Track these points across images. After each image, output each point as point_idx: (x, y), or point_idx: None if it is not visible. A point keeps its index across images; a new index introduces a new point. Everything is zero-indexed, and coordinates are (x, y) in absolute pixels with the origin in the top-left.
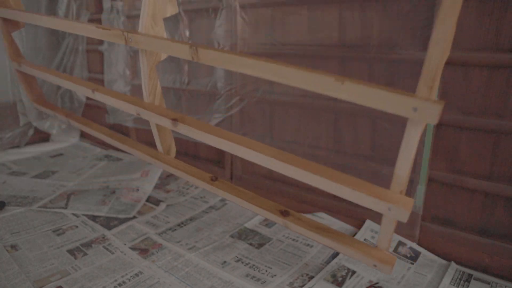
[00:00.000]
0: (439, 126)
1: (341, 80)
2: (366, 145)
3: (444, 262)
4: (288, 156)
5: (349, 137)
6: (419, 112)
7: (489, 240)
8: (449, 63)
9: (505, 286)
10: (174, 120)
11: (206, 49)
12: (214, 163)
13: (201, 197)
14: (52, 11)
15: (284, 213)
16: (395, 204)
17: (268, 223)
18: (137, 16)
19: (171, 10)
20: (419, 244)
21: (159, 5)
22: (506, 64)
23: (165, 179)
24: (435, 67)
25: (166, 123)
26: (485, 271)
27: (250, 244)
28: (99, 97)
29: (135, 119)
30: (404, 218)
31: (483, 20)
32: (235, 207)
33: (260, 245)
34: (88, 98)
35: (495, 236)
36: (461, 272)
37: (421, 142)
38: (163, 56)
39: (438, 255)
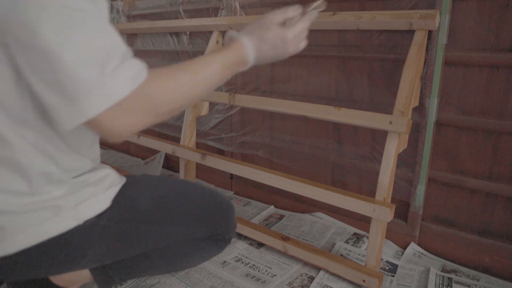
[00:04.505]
0: (439, 126)
1: (338, 108)
2: (365, 145)
3: (423, 268)
4: (294, 178)
5: (349, 137)
6: (393, 124)
7: (489, 240)
8: (449, 63)
9: (484, 287)
10: (204, 154)
11: (240, 95)
12: None
13: None
14: None
15: (284, 238)
16: (378, 205)
17: (268, 223)
18: (137, 16)
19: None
20: (419, 244)
21: None
22: (506, 64)
23: None
24: (403, 101)
25: (196, 157)
26: (485, 271)
27: (250, 244)
28: (143, 141)
29: None
30: (387, 218)
31: (483, 20)
32: (235, 207)
33: (260, 245)
34: None
35: (495, 236)
36: (441, 277)
37: (421, 142)
38: (203, 112)
39: (438, 255)
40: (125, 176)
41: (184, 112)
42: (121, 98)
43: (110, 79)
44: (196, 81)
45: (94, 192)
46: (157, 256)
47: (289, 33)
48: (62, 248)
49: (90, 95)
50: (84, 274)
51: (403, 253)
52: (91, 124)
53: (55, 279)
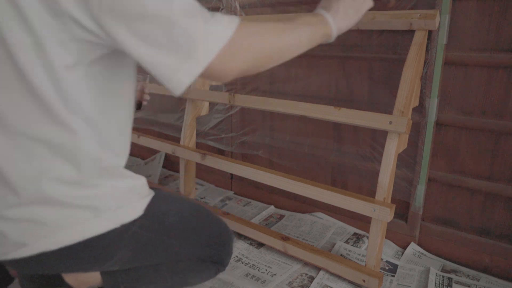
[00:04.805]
0: (439, 126)
1: (338, 108)
2: (365, 145)
3: (423, 268)
4: (294, 178)
5: (349, 137)
6: (393, 124)
7: (489, 240)
8: (449, 63)
9: (484, 287)
10: (204, 154)
11: (240, 95)
12: None
13: (201, 198)
14: None
15: (284, 238)
16: (378, 205)
17: (268, 223)
18: None
19: (215, 83)
20: (419, 244)
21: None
22: (506, 64)
23: (164, 180)
24: (403, 101)
25: (196, 157)
26: (485, 271)
27: (250, 244)
28: (143, 141)
29: (135, 119)
30: (387, 218)
31: (483, 20)
32: (235, 207)
33: (260, 245)
34: None
35: (495, 236)
36: (441, 277)
37: (421, 142)
38: (203, 112)
39: (438, 255)
40: (153, 189)
41: (184, 112)
42: (227, 40)
43: (213, 26)
44: (286, 28)
45: (132, 199)
46: (166, 269)
47: None
48: (95, 248)
49: (202, 44)
50: (96, 277)
51: (403, 253)
52: (205, 72)
53: (69, 277)
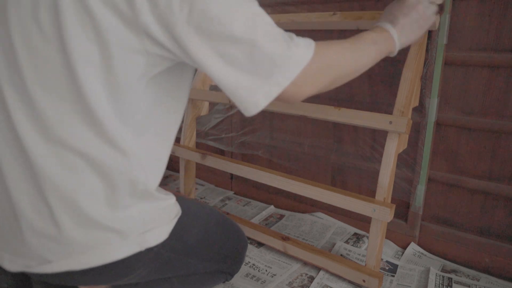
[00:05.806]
0: (439, 126)
1: (338, 108)
2: (365, 145)
3: (423, 268)
4: (294, 178)
5: (349, 137)
6: (393, 124)
7: (489, 240)
8: (449, 63)
9: (484, 287)
10: (204, 154)
11: None
12: None
13: (201, 198)
14: None
15: (284, 238)
16: (378, 205)
17: (267, 223)
18: None
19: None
20: (419, 244)
21: (208, 79)
22: (506, 64)
23: (164, 180)
24: (403, 101)
25: (196, 157)
26: (485, 271)
27: (250, 243)
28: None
29: None
30: (387, 218)
31: (483, 20)
32: (235, 207)
33: (260, 245)
34: None
35: (495, 236)
36: (441, 277)
37: (421, 142)
38: (203, 112)
39: (438, 255)
40: (177, 199)
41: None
42: (305, 64)
43: (294, 50)
44: (355, 48)
45: (161, 222)
46: (176, 281)
47: (420, 4)
48: (115, 267)
49: (282, 67)
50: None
51: (403, 253)
52: (280, 94)
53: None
